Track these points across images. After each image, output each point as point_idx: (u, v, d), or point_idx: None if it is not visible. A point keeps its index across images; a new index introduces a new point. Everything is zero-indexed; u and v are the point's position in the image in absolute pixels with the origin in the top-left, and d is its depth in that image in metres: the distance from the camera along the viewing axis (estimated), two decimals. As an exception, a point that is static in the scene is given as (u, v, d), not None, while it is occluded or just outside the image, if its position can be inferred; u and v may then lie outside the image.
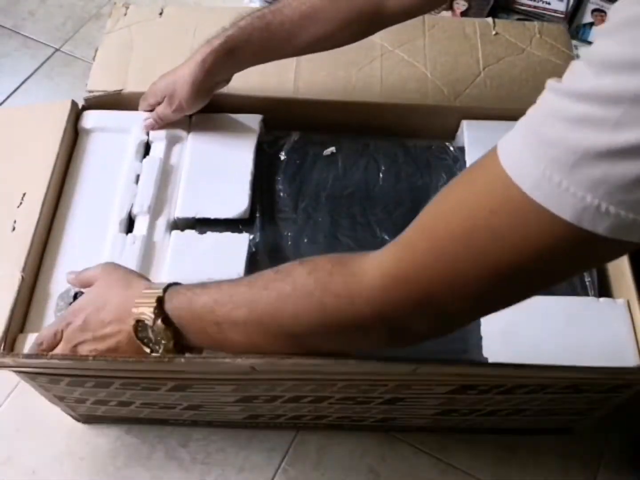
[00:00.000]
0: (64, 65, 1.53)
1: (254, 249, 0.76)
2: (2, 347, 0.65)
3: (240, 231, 0.77)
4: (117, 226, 0.76)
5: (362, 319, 0.46)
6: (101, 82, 0.88)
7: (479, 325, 0.70)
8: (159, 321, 0.54)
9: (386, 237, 0.78)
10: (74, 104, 0.85)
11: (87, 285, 0.64)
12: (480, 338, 0.69)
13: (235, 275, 0.71)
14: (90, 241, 0.75)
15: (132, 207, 0.77)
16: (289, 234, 0.78)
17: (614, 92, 0.32)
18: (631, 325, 0.71)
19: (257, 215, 0.79)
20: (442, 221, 0.41)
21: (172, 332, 0.55)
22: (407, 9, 0.73)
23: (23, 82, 1.50)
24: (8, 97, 1.46)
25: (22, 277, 0.69)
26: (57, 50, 1.54)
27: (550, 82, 0.36)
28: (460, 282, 0.41)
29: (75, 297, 0.70)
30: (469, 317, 0.46)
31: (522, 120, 0.38)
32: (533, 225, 0.36)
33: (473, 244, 0.39)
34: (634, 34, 0.31)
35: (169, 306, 0.55)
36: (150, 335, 0.56)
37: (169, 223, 0.78)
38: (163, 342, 0.56)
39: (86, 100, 0.87)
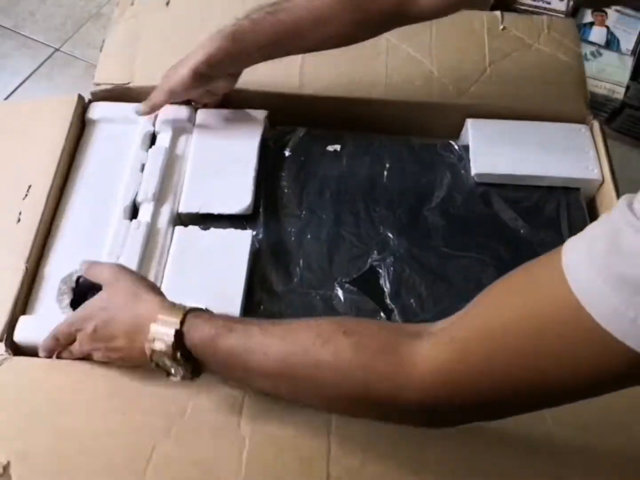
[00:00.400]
0: (64, 65, 1.53)
1: (257, 246, 0.75)
2: (4, 337, 0.65)
3: (243, 227, 0.77)
4: (121, 213, 0.76)
5: (405, 406, 0.45)
6: (108, 75, 0.88)
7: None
8: (179, 354, 0.53)
9: (389, 235, 0.77)
10: (80, 97, 0.85)
11: (94, 279, 0.64)
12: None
13: (238, 271, 0.71)
14: (94, 227, 0.75)
15: (136, 194, 0.77)
16: (293, 230, 0.78)
17: None
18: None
19: (261, 211, 0.78)
20: (501, 331, 0.40)
21: (192, 364, 0.54)
22: (433, 10, 0.72)
23: (23, 82, 1.50)
24: (8, 96, 1.46)
25: (26, 269, 0.69)
26: (57, 50, 1.54)
27: (627, 205, 0.35)
28: (511, 394, 0.41)
29: (78, 281, 0.70)
30: (510, 416, 0.45)
31: (592, 237, 0.36)
32: (605, 356, 0.35)
33: (533, 365, 0.38)
34: None
35: (189, 342, 0.53)
36: (167, 363, 0.54)
37: (172, 211, 0.77)
38: (181, 371, 0.54)
39: (93, 94, 0.87)
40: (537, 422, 0.59)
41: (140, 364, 0.58)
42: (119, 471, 0.55)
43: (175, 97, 0.80)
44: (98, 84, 0.87)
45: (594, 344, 0.35)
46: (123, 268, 0.64)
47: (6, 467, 0.54)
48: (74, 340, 0.62)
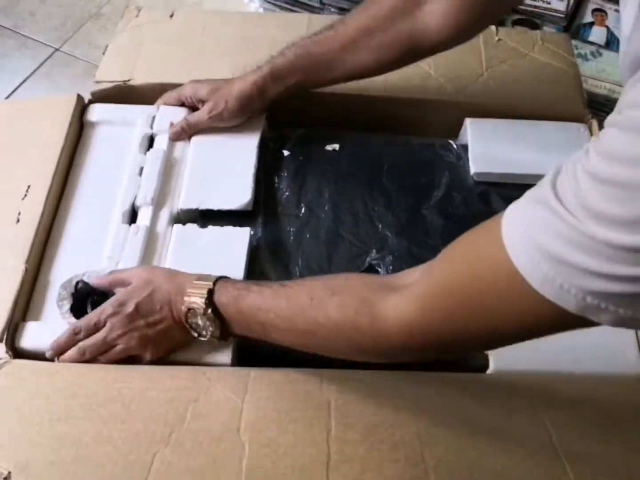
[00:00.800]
0: (64, 65, 1.53)
1: (255, 244, 0.76)
2: (4, 337, 0.65)
3: (242, 225, 0.77)
4: (120, 217, 0.76)
5: (385, 350, 0.54)
6: (109, 74, 0.88)
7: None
8: (209, 311, 0.61)
9: (388, 234, 0.77)
10: (79, 97, 0.85)
11: (122, 284, 0.66)
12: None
13: (237, 270, 0.71)
14: (93, 232, 0.75)
15: (135, 198, 0.77)
16: (291, 229, 0.78)
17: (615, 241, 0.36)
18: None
19: (260, 210, 0.79)
20: (454, 292, 0.47)
21: (219, 322, 0.62)
22: (445, 41, 0.74)
23: (23, 82, 1.50)
24: (8, 96, 1.46)
25: (26, 269, 0.69)
26: (57, 50, 1.54)
27: (551, 183, 0.40)
28: (467, 339, 0.49)
29: (77, 286, 0.70)
30: (470, 352, 0.55)
31: (524, 208, 0.42)
32: (541, 313, 0.41)
33: (482, 319, 0.46)
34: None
35: (217, 300, 0.61)
36: (200, 322, 0.62)
37: (171, 215, 0.78)
38: (210, 329, 0.62)
39: (93, 93, 0.88)
40: (536, 426, 0.60)
41: (174, 335, 0.65)
42: (121, 481, 0.55)
43: (215, 123, 0.83)
44: (99, 82, 0.87)
45: (530, 303, 0.41)
46: (149, 265, 0.71)
47: (7, 478, 0.54)
48: (95, 332, 0.64)
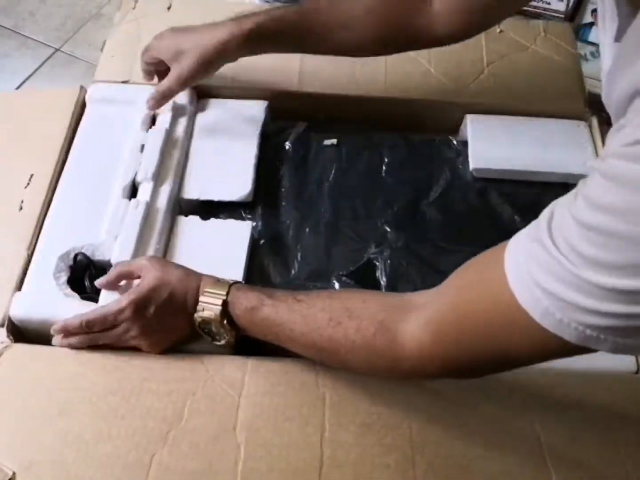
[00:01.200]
0: (64, 65, 1.53)
1: (255, 236, 0.76)
2: (5, 321, 0.66)
3: (243, 218, 0.77)
4: (120, 192, 0.76)
5: (404, 374, 0.57)
6: (108, 73, 0.88)
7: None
8: (225, 321, 0.61)
9: (387, 229, 0.77)
10: (82, 89, 0.86)
11: (130, 277, 0.65)
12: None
13: (237, 262, 0.71)
14: (93, 206, 0.75)
15: (136, 174, 0.77)
16: (291, 223, 0.78)
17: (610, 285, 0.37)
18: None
19: (260, 203, 0.79)
20: (463, 319, 0.49)
21: (235, 330, 0.62)
22: (452, 34, 0.74)
23: (23, 82, 1.50)
24: (8, 95, 1.45)
25: (28, 255, 0.70)
26: (57, 50, 1.55)
27: (547, 221, 0.42)
28: (479, 362, 0.50)
29: (76, 258, 0.70)
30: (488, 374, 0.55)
31: (525, 244, 0.43)
32: (539, 340, 0.43)
33: (489, 344, 0.47)
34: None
35: (232, 311, 0.61)
36: (214, 329, 0.62)
37: (172, 191, 0.77)
38: (225, 336, 0.62)
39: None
40: (527, 430, 0.60)
41: (189, 335, 0.64)
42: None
43: (186, 86, 0.80)
44: (97, 82, 0.87)
45: (534, 334, 0.42)
46: (155, 257, 0.69)
47: (12, 479, 0.55)
48: (108, 327, 0.63)
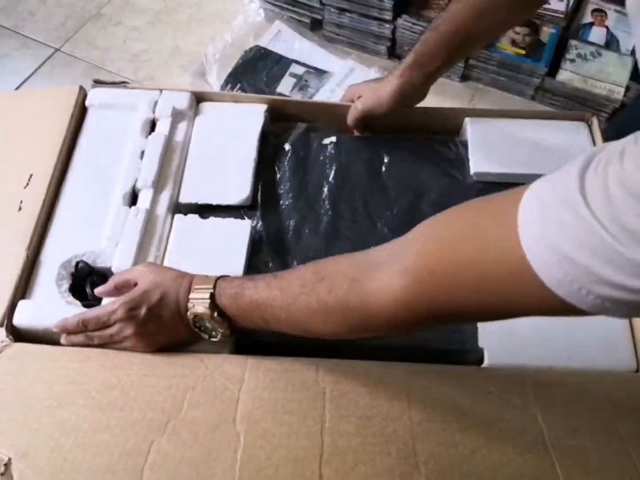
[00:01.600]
0: (64, 65, 1.53)
1: (255, 236, 0.76)
2: (4, 321, 0.66)
3: (242, 218, 0.77)
4: (120, 199, 0.76)
5: (378, 328, 0.54)
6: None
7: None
8: (215, 314, 0.61)
9: (386, 230, 0.77)
10: (81, 89, 0.86)
11: (128, 286, 0.65)
12: (476, 328, 0.69)
13: (237, 261, 0.72)
14: (94, 213, 0.76)
15: (136, 181, 0.78)
16: (290, 223, 0.78)
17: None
18: (627, 320, 0.70)
19: (259, 203, 0.79)
20: (455, 269, 0.45)
21: (227, 321, 0.62)
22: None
23: (23, 82, 1.50)
24: (8, 96, 1.45)
25: (27, 256, 0.70)
26: (57, 50, 1.54)
27: (580, 173, 0.37)
28: (459, 312, 0.47)
29: (78, 265, 0.71)
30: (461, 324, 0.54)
31: (544, 200, 0.39)
32: (541, 300, 0.40)
33: (479, 296, 0.45)
34: None
35: (220, 302, 0.61)
36: (207, 325, 0.63)
37: (171, 198, 0.78)
38: (220, 330, 0.63)
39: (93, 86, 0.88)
40: (528, 421, 0.60)
41: (186, 335, 0.65)
42: (118, 469, 0.55)
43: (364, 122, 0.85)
44: (98, 81, 0.88)
45: (537, 295, 0.40)
46: (152, 263, 0.70)
47: (7, 465, 0.55)
48: (103, 327, 0.64)
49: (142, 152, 0.80)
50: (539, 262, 0.39)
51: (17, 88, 1.48)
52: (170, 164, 0.80)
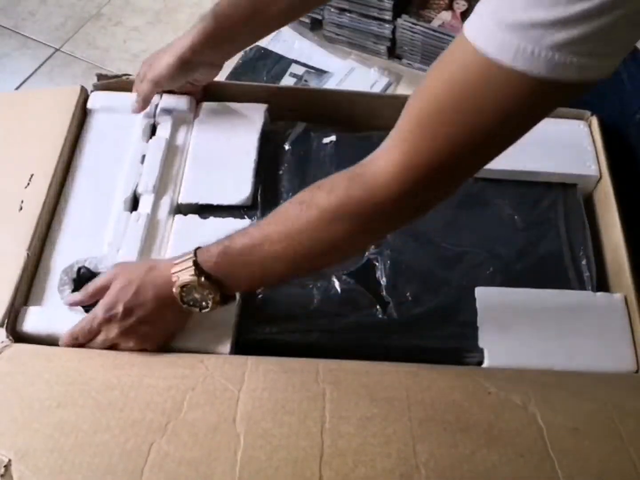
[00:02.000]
0: (64, 65, 1.53)
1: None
2: (5, 322, 0.66)
3: (242, 218, 0.77)
4: (121, 204, 0.76)
5: (385, 208, 0.53)
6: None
7: (475, 315, 0.70)
8: (203, 279, 0.60)
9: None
10: (82, 88, 0.86)
11: (104, 290, 0.65)
12: (477, 329, 0.69)
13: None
14: (95, 218, 0.76)
15: (137, 186, 0.78)
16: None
17: None
18: (628, 321, 0.70)
19: (259, 203, 0.79)
20: (433, 107, 0.48)
21: (216, 285, 0.61)
22: None
23: (23, 82, 1.50)
24: (8, 95, 1.45)
25: (28, 255, 0.70)
26: (57, 50, 1.54)
27: None
28: (458, 154, 0.49)
29: (79, 271, 0.71)
30: (465, 177, 0.55)
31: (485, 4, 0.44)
32: (513, 90, 0.44)
33: (460, 119, 0.47)
34: None
35: (205, 264, 0.60)
36: (196, 295, 0.61)
37: (172, 203, 0.78)
38: (210, 296, 0.61)
39: (95, 85, 0.88)
40: (528, 422, 0.60)
41: (175, 320, 0.65)
42: (118, 470, 0.55)
43: (160, 88, 0.81)
44: (100, 75, 0.88)
45: (506, 85, 0.44)
46: (121, 262, 0.69)
47: (7, 466, 0.55)
48: (93, 338, 0.65)
49: (143, 157, 0.80)
50: (491, 46, 0.43)
51: (17, 88, 1.48)
52: (171, 168, 0.80)
